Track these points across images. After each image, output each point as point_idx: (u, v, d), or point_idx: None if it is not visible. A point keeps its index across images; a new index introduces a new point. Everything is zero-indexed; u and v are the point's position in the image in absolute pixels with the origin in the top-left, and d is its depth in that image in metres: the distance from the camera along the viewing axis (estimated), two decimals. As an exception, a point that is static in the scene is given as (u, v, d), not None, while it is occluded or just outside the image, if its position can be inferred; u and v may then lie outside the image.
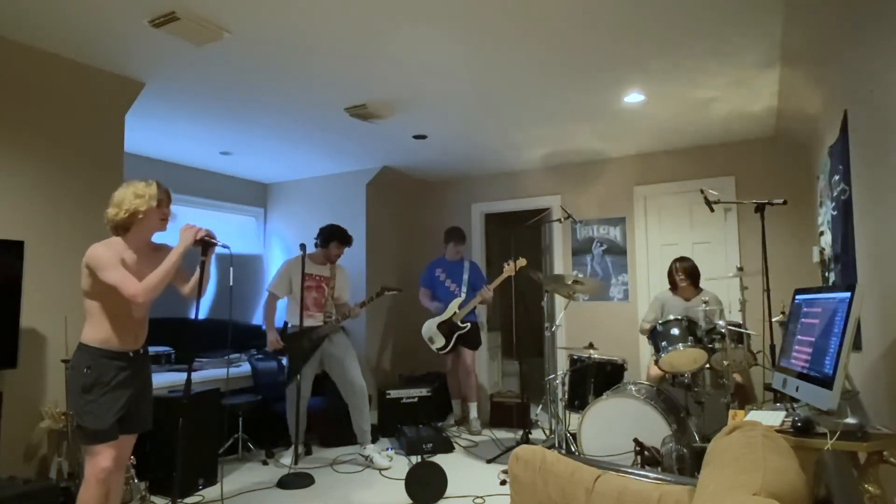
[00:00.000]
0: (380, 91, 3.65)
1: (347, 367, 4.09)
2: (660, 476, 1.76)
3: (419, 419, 4.80)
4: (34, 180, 3.03)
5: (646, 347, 4.73)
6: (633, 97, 3.78)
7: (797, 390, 2.04)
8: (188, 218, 4.94)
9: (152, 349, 4.23)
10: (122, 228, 2.37)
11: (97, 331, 2.30)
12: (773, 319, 3.43)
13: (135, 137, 4.46)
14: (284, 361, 4.76)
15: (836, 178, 2.97)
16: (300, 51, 3.06)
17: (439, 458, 4.10)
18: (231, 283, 5.29)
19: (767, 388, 3.72)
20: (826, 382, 1.82)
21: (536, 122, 4.30)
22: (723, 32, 2.90)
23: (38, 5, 2.59)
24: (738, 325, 3.40)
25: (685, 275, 4.08)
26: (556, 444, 3.91)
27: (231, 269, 5.10)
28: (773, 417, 2.01)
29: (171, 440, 3.29)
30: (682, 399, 3.59)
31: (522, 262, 4.74)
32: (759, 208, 3.29)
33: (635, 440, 3.09)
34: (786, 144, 4.63)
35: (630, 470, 1.82)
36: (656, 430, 3.19)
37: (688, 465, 2.89)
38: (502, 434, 4.84)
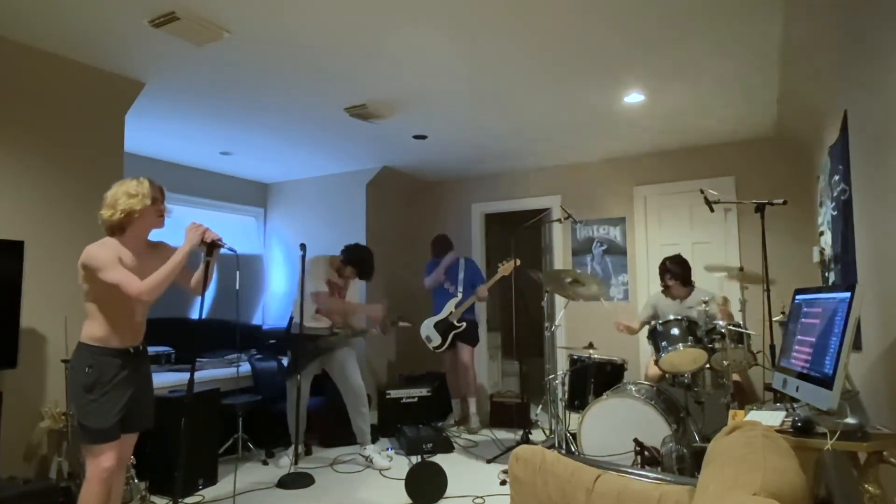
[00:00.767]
0: (380, 91, 3.65)
1: (347, 368, 4.09)
2: (660, 476, 1.76)
3: (419, 419, 4.80)
4: (34, 180, 3.04)
5: (645, 347, 4.73)
6: (633, 97, 3.78)
7: (797, 390, 2.04)
8: (188, 218, 4.93)
9: (153, 349, 4.25)
10: (117, 229, 2.33)
11: (96, 329, 2.29)
12: (773, 319, 3.43)
13: (135, 137, 4.46)
14: (284, 361, 4.76)
15: (836, 178, 2.97)
16: (300, 51, 3.06)
17: (439, 458, 4.10)
18: (237, 287, 5.28)
19: (767, 388, 3.72)
20: (826, 382, 1.81)
21: (537, 122, 4.30)
22: (723, 32, 2.90)
23: (38, 5, 2.59)
24: (738, 325, 3.40)
25: (671, 275, 4.12)
26: (556, 444, 3.91)
27: (237, 272, 5.09)
28: (773, 417, 2.01)
29: (172, 440, 3.30)
30: (682, 399, 3.59)
31: (516, 262, 4.75)
32: (759, 208, 3.29)
33: (635, 440, 3.09)
34: (786, 144, 4.63)
35: (630, 470, 1.82)
36: (656, 430, 3.19)
37: (688, 465, 2.89)
38: (502, 434, 4.84)
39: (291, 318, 4.28)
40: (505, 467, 3.80)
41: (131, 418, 2.38)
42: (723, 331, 3.32)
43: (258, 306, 6.08)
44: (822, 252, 3.70)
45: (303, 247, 4.03)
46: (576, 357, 4.05)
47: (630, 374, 4.34)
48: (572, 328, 5.44)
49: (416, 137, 4.66)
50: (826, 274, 3.63)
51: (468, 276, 5.14)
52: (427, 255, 5.97)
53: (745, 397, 4.02)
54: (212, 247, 2.43)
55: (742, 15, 2.73)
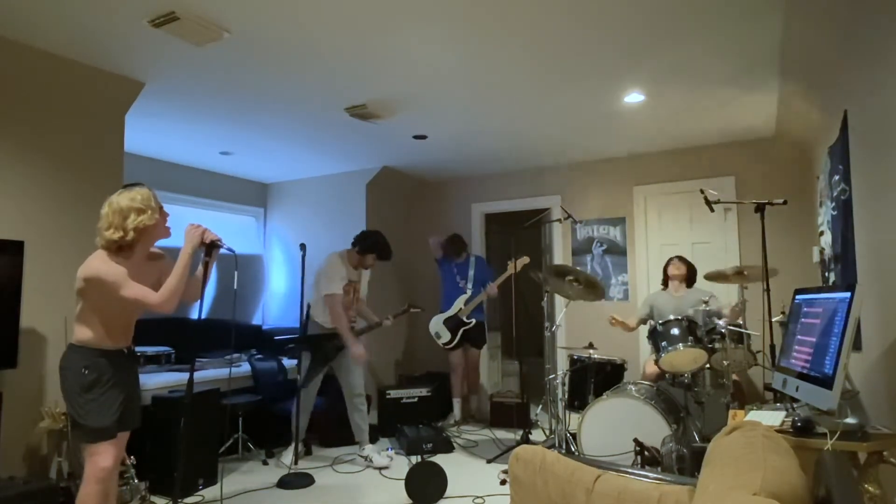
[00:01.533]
0: (380, 91, 3.65)
1: (351, 368, 4.08)
2: (660, 476, 1.76)
3: (419, 419, 4.80)
4: (34, 180, 3.03)
5: (645, 347, 4.73)
6: (633, 97, 3.78)
7: (797, 390, 2.04)
8: (188, 218, 4.93)
9: (153, 349, 4.25)
10: (127, 248, 2.28)
11: (91, 332, 2.29)
12: (773, 319, 3.43)
13: (135, 137, 4.46)
14: (290, 362, 4.76)
15: (836, 178, 2.98)
16: (300, 51, 3.06)
17: (439, 458, 4.09)
18: (235, 286, 5.28)
19: (767, 388, 3.72)
20: (826, 382, 1.82)
21: (537, 122, 4.30)
22: (723, 32, 2.90)
23: (39, 5, 2.58)
24: (738, 325, 3.40)
25: (684, 265, 4.16)
26: (556, 444, 3.91)
27: (236, 272, 5.09)
28: (773, 417, 2.01)
29: (172, 440, 3.30)
30: (682, 399, 3.59)
31: (525, 259, 4.82)
32: (759, 208, 3.29)
33: (635, 440, 3.09)
34: (786, 144, 4.63)
35: (630, 470, 1.82)
36: (656, 430, 3.19)
37: (688, 465, 2.88)
38: (502, 434, 4.84)
39: (308, 319, 4.23)
40: (505, 467, 3.79)
41: (125, 416, 2.38)
42: (723, 331, 3.32)
43: (258, 306, 6.08)
44: (822, 252, 3.70)
45: (303, 247, 4.03)
46: (576, 357, 4.05)
47: (630, 374, 4.33)
48: (572, 328, 5.44)
49: (416, 137, 4.66)
50: (826, 274, 3.63)
51: (478, 273, 5.18)
52: (428, 254, 5.98)
53: (741, 397, 4.02)
54: (211, 247, 2.42)
55: (742, 15, 2.73)
